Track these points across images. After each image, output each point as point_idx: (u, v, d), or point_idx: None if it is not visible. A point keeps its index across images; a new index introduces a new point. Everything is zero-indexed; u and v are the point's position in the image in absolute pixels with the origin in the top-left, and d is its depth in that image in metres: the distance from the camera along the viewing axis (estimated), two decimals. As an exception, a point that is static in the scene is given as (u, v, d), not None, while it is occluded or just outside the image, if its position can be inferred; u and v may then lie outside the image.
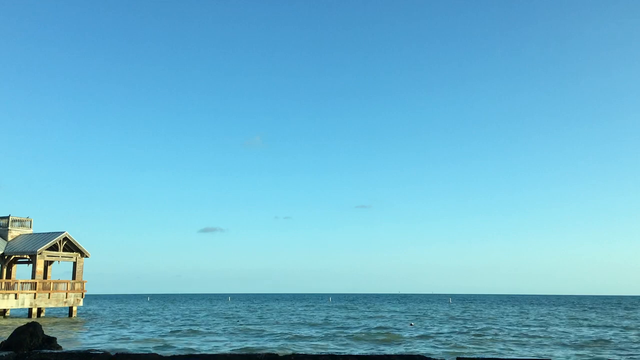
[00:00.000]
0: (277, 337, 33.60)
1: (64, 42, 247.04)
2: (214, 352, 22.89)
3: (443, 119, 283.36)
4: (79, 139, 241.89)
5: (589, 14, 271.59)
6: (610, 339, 33.26)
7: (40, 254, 52.96)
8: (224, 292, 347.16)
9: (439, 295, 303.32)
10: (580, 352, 26.42)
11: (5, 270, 55.04)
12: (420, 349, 27.10)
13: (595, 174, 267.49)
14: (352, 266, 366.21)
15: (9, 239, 56.01)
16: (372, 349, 27.51)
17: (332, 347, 27.78)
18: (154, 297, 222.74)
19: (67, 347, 23.11)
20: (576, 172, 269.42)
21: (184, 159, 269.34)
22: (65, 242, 55.51)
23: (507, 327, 43.41)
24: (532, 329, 41.51)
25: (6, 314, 53.69)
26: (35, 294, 51.62)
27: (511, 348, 27.85)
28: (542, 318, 57.41)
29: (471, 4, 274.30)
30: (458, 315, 62.10)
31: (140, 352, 20.82)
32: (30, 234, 57.35)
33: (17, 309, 56.90)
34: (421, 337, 34.03)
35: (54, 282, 54.45)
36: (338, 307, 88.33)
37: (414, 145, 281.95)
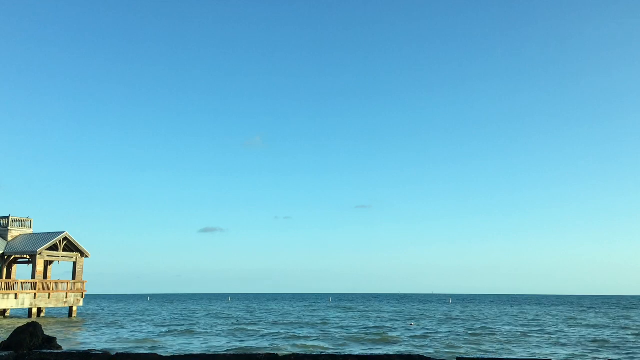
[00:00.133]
0: (274, 337, 33.67)
1: (64, 42, 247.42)
2: (214, 352, 22.95)
3: (443, 119, 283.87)
4: (79, 139, 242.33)
5: (589, 14, 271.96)
6: (608, 338, 33.36)
7: (40, 254, 53.02)
8: (224, 292, 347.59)
9: (439, 295, 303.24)
10: (579, 352, 26.50)
11: (5, 270, 55.11)
12: (420, 349, 27.17)
13: (595, 174, 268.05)
14: (352, 266, 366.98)
15: (9, 239, 56.07)
16: (371, 349, 27.59)
17: (331, 347, 27.85)
18: (154, 297, 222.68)
19: (67, 347, 23.16)
20: (576, 172, 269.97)
21: (184, 159, 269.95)
22: (65, 242, 55.58)
23: (506, 327, 43.48)
24: (531, 329, 41.59)
25: (6, 314, 53.74)
26: (35, 294, 51.68)
27: (510, 348, 27.93)
28: (541, 318, 57.49)
29: (471, 4, 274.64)
30: (457, 315, 62.18)
31: (140, 352, 20.90)
32: (30, 234, 57.41)
33: (17, 309, 56.93)
34: (420, 337, 34.11)
35: (54, 282, 54.51)
36: (338, 307, 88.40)
37: (414, 145, 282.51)
